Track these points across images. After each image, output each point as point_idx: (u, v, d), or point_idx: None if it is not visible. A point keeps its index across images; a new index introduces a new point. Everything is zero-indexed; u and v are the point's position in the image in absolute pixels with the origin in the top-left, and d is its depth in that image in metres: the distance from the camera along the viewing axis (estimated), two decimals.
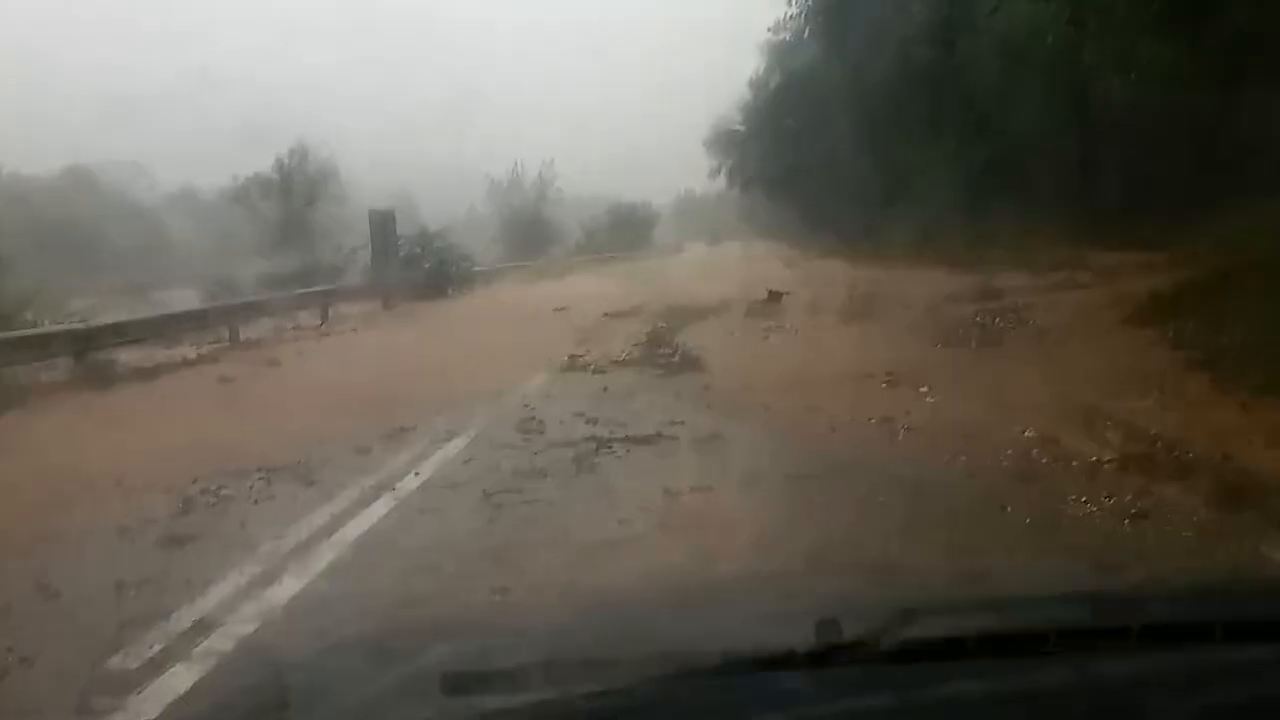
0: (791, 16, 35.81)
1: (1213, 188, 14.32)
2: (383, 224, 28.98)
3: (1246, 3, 9.61)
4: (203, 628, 4.25)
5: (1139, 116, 15.72)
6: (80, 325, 14.92)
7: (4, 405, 10.59)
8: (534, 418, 8.64)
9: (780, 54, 41.36)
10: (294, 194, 30.79)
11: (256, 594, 4.67)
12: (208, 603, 4.55)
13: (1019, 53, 18.31)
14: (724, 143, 50.54)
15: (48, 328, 15.13)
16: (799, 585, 2.19)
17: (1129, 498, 5.38)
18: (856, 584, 2.15)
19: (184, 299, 23.94)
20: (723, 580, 3.14)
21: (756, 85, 41.72)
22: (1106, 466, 6.01)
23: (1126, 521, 5.07)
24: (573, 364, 12.01)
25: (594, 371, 11.44)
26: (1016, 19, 16.79)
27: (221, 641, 4.12)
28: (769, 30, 41.56)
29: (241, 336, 17.04)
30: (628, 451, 7.28)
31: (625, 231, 59.37)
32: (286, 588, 4.76)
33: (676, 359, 11.74)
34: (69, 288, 24.50)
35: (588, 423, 8.29)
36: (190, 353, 15.32)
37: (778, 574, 3.59)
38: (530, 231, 50.26)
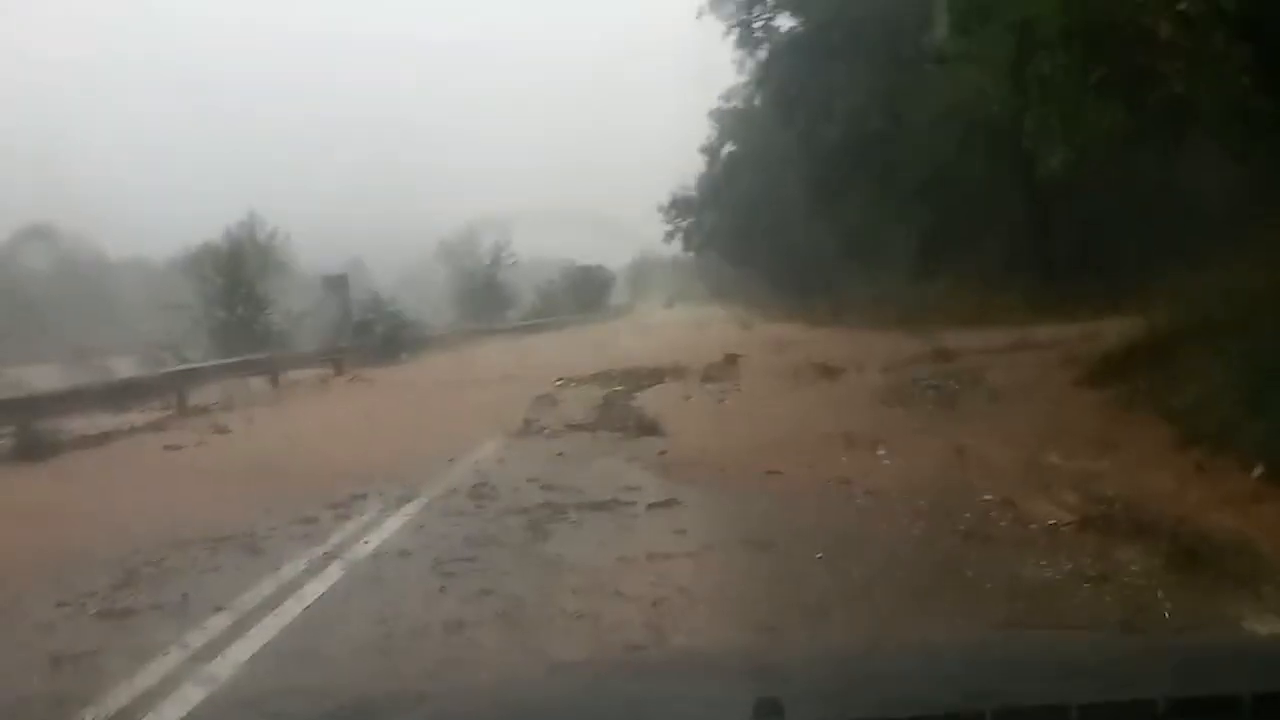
0: (743, 84, 36.57)
1: (1159, 249, 14.65)
2: (335, 288, 28.90)
3: (1182, 71, 9.92)
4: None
5: (1084, 181, 16.09)
6: (21, 394, 14.58)
7: None
8: (487, 484, 8.50)
9: (732, 120, 42.15)
10: (244, 261, 30.74)
11: (197, 669, 4.48)
12: (145, 681, 4.34)
13: (965, 119, 18.74)
14: (679, 206, 51.14)
15: None
16: (745, 659, 2.16)
17: (1087, 560, 5.34)
18: (806, 658, 2.12)
19: (132, 366, 23.53)
20: (671, 655, 3.06)
21: (709, 150, 42.36)
22: (1064, 529, 5.98)
23: (1086, 584, 5.02)
24: (527, 429, 11.90)
25: (549, 436, 11.33)
26: (962, 87, 17.21)
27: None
28: (720, 98, 42.45)
29: (190, 403, 16.71)
30: (582, 518, 7.15)
31: (581, 294, 59.56)
32: (230, 658, 4.60)
33: (632, 423, 11.65)
34: (10, 354, 24.03)
35: (542, 488, 8.16)
36: (138, 420, 14.99)
37: (726, 649, 3.54)
38: (484, 295, 50.22)
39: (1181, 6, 8.46)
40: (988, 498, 6.76)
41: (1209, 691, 1.39)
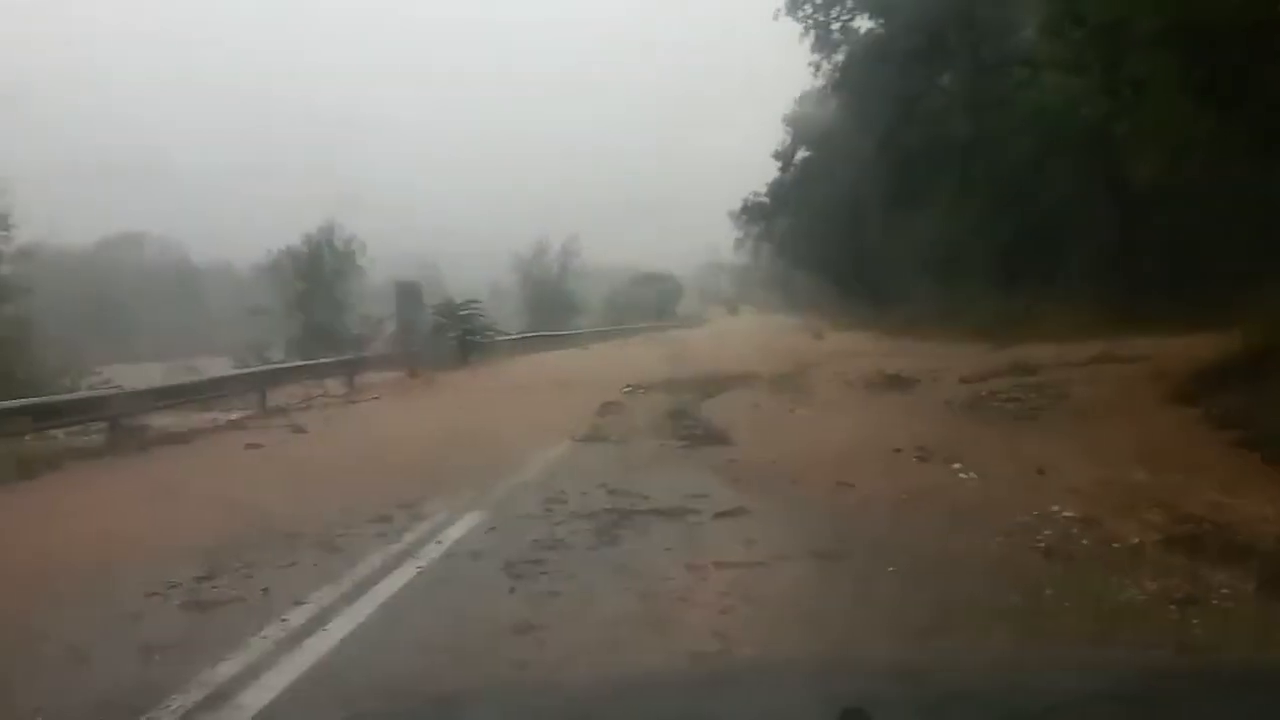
0: (818, 89, 36.18)
1: (1251, 263, 14.11)
2: (408, 294, 29.42)
3: None
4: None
5: (1176, 190, 15.59)
6: (114, 391, 15.10)
7: (40, 469, 10.80)
8: (556, 488, 8.50)
9: (807, 124, 41.75)
10: (323, 266, 31.54)
11: (275, 663, 4.58)
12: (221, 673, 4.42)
13: (1052, 125, 18.30)
14: (751, 212, 50.80)
15: (84, 393, 15.79)
16: (823, 671, 2.09)
17: (1174, 581, 5.13)
18: (884, 672, 2.04)
19: (216, 367, 24.26)
20: (743, 664, 3.00)
21: (783, 156, 42.01)
22: (1150, 549, 5.76)
23: (1172, 606, 4.81)
24: (595, 434, 11.89)
25: (616, 442, 11.31)
26: (1048, 90, 16.82)
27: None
28: (795, 101, 42.08)
29: (270, 403, 17.11)
30: (649, 525, 7.10)
31: (649, 302, 59.69)
32: (303, 657, 4.68)
33: (700, 431, 11.56)
34: (107, 354, 24.95)
35: (610, 494, 8.13)
36: (221, 418, 15.43)
37: (801, 659, 3.45)
38: (554, 303, 50.67)
39: None
40: (1069, 515, 6.55)
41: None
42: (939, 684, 1.69)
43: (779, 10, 28.64)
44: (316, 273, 31.42)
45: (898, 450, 9.28)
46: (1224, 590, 4.97)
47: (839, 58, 30.33)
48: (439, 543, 6.86)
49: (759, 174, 48.77)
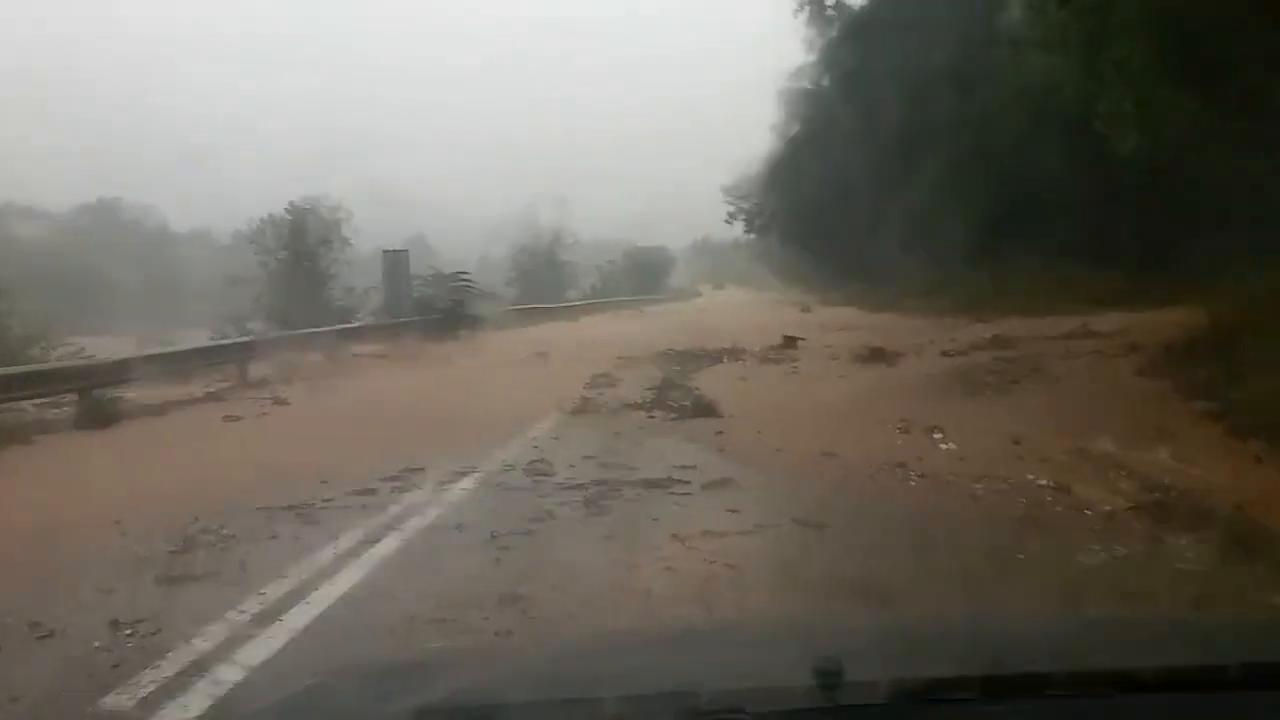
0: (810, 64, 36.12)
1: (1227, 242, 14.28)
2: (395, 265, 29.10)
3: (1261, 62, 9.65)
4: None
5: (1155, 170, 15.73)
6: (85, 362, 14.85)
7: (5, 442, 10.54)
8: (543, 460, 8.60)
9: (799, 100, 41.64)
10: (306, 235, 31.07)
11: (252, 637, 4.62)
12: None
13: (1036, 103, 18.39)
14: (742, 187, 50.77)
15: (54, 364, 15.13)
16: (799, 629, 2.17)
17: (1141, 547, 5.30)
18: (860, 627, 2.13)
19: (194, 337, 23.95)
20: (725, 623, 3.09)
21: (774, 131, 41.97)
22: (1119, 515, 5.94)
23: (1138, 570, 4.99)
24: (585, 407, 11.99)
25: (606, 414, 11.41)
26: (1033, 70, 16.88)
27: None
28: (789, 77, 41.96)
29: (251, 375, 16.96)
30: (638, 495, 7.22)
31: (641, 275, 59.60)
32: (276, 636, 4.69)
33: (689, 403, 11.67)
34: (79, 324, 24.58)
35: (599, 466, 8.24)
36: (198, 390, 15.29)
37: (780, 618, 3.55)
38: (545, 275, 50.39)
39: None
40: (1044, 483, 6.72)
41: (1205, 662, 1.42)
42: (912, 639, 1.77)
43: None
44: (300, 242, 30.84)
45: (881, 421, 9.43)
46: (1188, 554, 5.14)
47: (832, 34, 30.31)
48: (423, 515, 6.91)
49: (752, 149, 48.72)
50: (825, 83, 35.66)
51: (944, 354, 13.92)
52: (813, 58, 34.07)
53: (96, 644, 4.53)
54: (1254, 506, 5.66)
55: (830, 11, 28.92)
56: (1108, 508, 6.09)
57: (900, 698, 1.26)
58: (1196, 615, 3.38)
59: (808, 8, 28.87)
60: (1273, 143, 12.23)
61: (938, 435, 8.67)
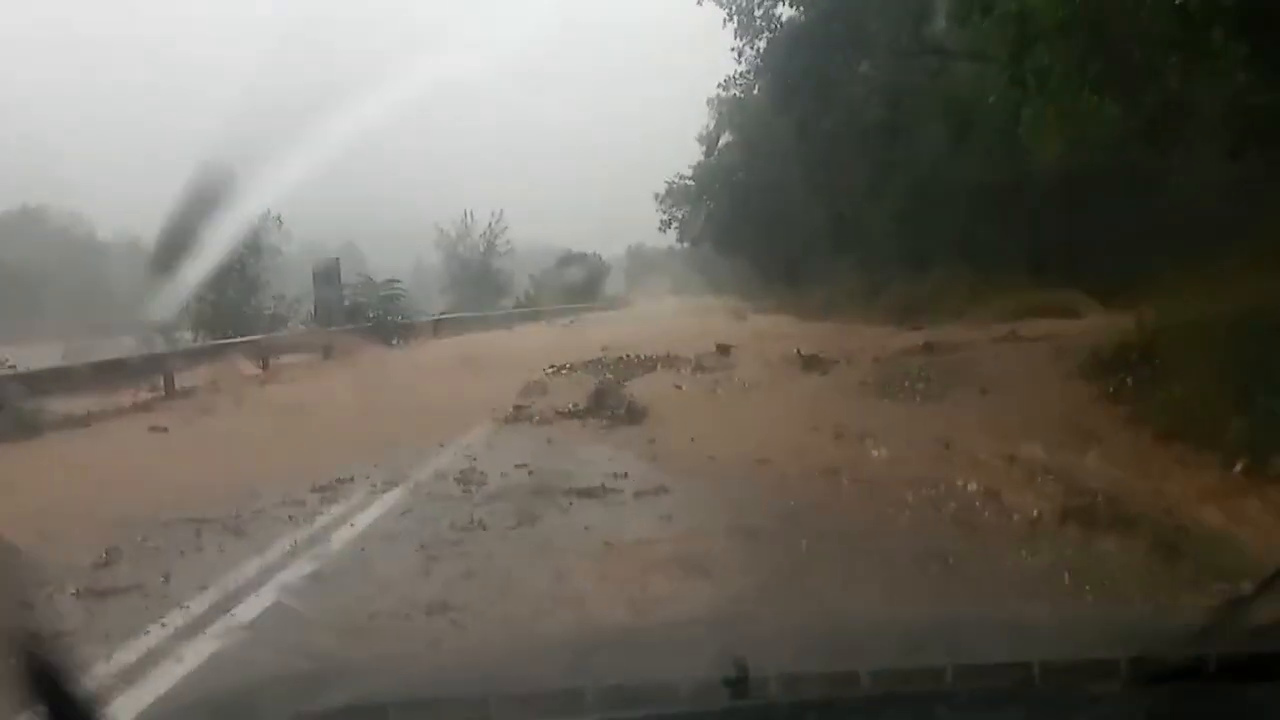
0: (741, 73, 36.38)
1: (1151, 247, 14.66)
2: (327, 273, 28.78)
3: (1179, 68, 9.90)
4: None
5: (1079, 177, 16.09)
6: (7, 372, 14.42)
7: None
8: (475, 469, 8.49)
9: (730, 109, 42.00)
10: (237, 243, 30.54)
11: (175, 650, 4.49)
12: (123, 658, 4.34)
13: (963, 112, 18.71)
14: (675, 195, 51.00)
15: None
16: (711, 628, 2.20)
17: (1069, 550, 5.36)
18: (771, 627, 2.16)
19: (121, 346, 23.39)
20: (647, 630, 3.08)
21: (706, 140, 42.27)
22: (1047, 519, 6.01)
23: (1066, 573, 5.04)
24: (518, 415, 11.88)
25: (539, 423, 11.32)
26: (961, 79, 17.18)
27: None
28: (719, 86, 42.29)
29: (179, 385, 16.61)
30: (570, 504, 7.15)
31: (576, 283, 59.45)
32: (205, 643, 4.60)
33: (623, 411, 11.62)
34: (1, 333, 23.86)
35: (531, 474, 8.16)
36: (125, 401, 14.91)
37: (691, 618, 3.59)
38: (479, 282, 50.14)
39: (1179, 1, 8.41)
40: (973, 488, 6.78)
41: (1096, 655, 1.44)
42: (819, 631, 1.78)
43: None
44: (230, 249, 30.43)
45: (814, 428, 9.47)
46: (1113, 558, 5.21)
47: (761, 44, 30.55)
48: (351, 525, 6.81)
49: (684, 158, 49.00)
50: (755, 92, 35.98)
51: (876, 360, 14.06)
52: (742, 67, 34.34)
53: (12, 661, 4.32)
54: (1180, 509, 5.77)
55: (760, 22, 29.12)
56: (1036, 511, 6.16)
57: (803, 694, 1.30)
58: (1093, 610, 3.44)
59: (737, 18, 29.03)
60: (1192, 146, 12.60)
61: (870, 441, 8.72)
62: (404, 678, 1.72)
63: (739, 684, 1.26)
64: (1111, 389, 9.39)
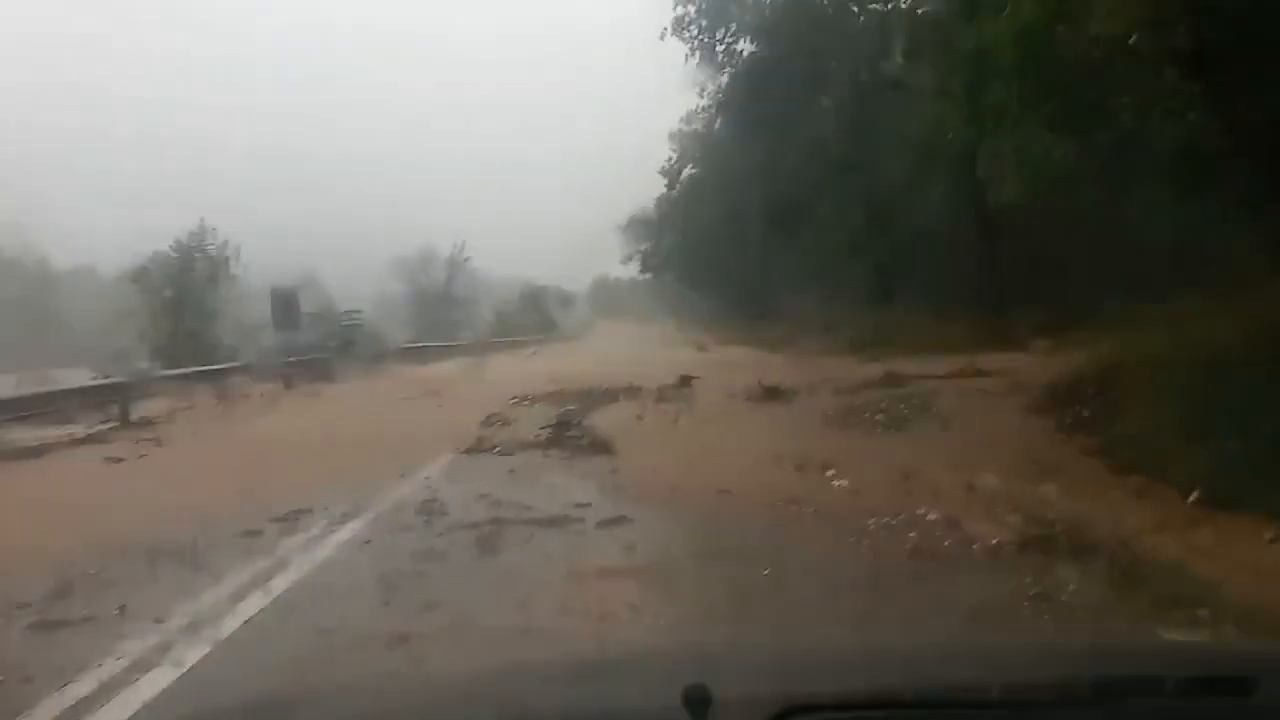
0: (703, 108, 36.81)
1: (1106, 283, 14.95)
2: (285, 302, 28.54)
3: (1132, 108, 10.12)
4: None
5: (1035, 214, 16.40)
6: None
7: None
8: (436, 499, 8.43)
9: (692, 143, 42.42)
10: (194, 272, 30.29)
11: (133, 682, 4.42)
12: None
13: (923, 149, 19.02)
14: (638, 228, 51.36)
15: None
16: (673, 656, 2.21)
17: (1028, 579, 5.42)
18: (732, 654, 2.18)
19: (76, 377, 23.03)
20: (610, 658, 3.08)
21: (669, 173, 42.61)
22: (1006, 549, 6.07)
23: (1025, 602, 5.09)
24: (479, 446, 11.81)
25: (501, 454, 11.26)
26: (920, 117, 17.46)
27: None
28: (680, 120, 42.75)
29: (135, 416, 16.37)
30: (532, 534, 7.12)
31: (539, 314, 59.50)
32: (161, 675, 4.52)
33: (585, 442, 11.59)
34: None
35: (493, 504, 8.11)
36: (80, 431, 14.68)
37: (653, 646, 3.59)
38: (441, 312, 50.00)
39: (1132, 42, 8.63)
40: (933, 518, 6.83)
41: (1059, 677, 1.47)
42: (781, 654, 1.79)
43: (665, 31, 29.08)
44: (187, 279, 30.16)
45: (776, 458, 9.50)
46: (1071, 587, 5.27)
47: (723, 79, 30.94)
48: (311, 557, 6.72)
49: (647, 190, 49.32)
50: (717, 126, 36.39)
51: (836, 392, 14.15)
52: (705, 101, 34.76)
53: None
54: (1135, 539, 5.85)
55: (722, 58, 29.49)
56: (995, 540, 6.22)
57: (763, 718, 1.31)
58: (1054, 638, 3.48)
59: (699, 54, 29.39)
60: (1146, 185, 12.86)
61: (831, 471, 8.77)
62: (360, 708, 1.71)
63: (699, 708, 1.27)
64: (1069, 421, 9.53)
